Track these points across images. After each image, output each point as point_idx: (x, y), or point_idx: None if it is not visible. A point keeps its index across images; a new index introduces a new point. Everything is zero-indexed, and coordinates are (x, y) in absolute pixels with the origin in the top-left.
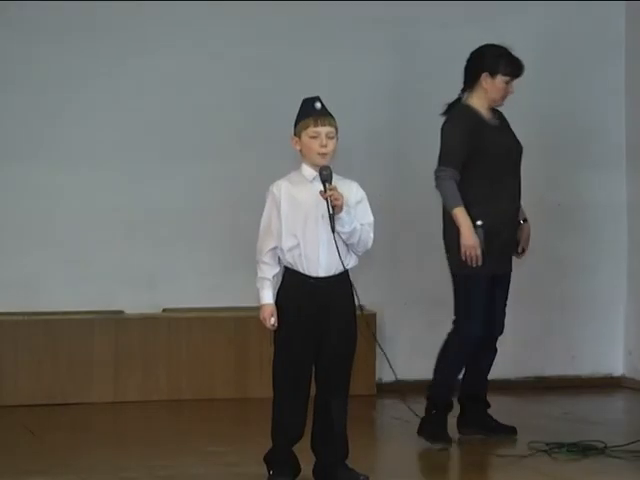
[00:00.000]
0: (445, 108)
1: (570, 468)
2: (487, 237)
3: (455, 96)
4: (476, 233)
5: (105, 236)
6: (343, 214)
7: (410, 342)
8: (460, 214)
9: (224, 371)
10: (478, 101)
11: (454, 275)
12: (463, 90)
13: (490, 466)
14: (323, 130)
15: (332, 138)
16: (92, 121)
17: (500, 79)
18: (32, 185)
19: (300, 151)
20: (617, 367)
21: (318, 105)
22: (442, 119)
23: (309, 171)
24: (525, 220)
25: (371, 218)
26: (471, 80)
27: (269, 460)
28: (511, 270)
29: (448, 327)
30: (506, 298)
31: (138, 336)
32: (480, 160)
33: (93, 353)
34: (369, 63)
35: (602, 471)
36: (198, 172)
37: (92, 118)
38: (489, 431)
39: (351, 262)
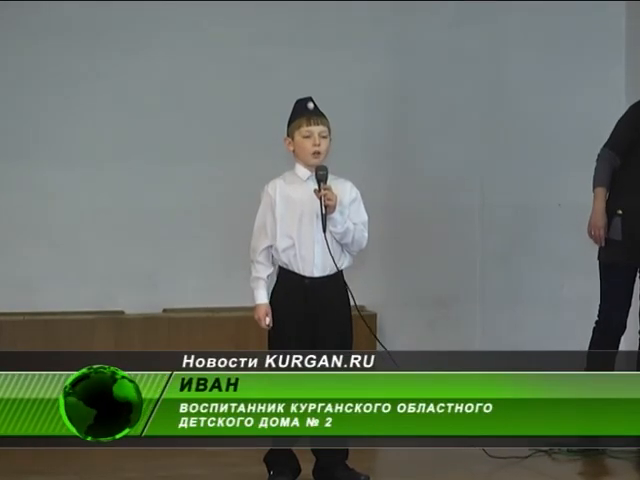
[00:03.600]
0: None
1: (571, 468)
2: (628, 227)
3: (456, 96)
4: (614, 221)
5: (105, 236)
6: (336, 214)
7: (411, 343)
8: (597, 194)
9: None
10: None
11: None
12: None
13: (490, 467)
14: (316, 129)
15: (325, 137)
16: (92, 120)
17: None
18: (31, 184)
19: (293, 152)
20: None
21: (311, 105)
22: (442, 118)
23: (303, 171)
24: None
25: (365, 217)
26: None
27: (269, 461)
28: None
29: (450, 327)
30: None
31: (138, 336)
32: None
33: None
34: (367, 63)
35: (603, 472)
36: (198, 172)
37: (92, 118)
38: None
39: (345, 262)
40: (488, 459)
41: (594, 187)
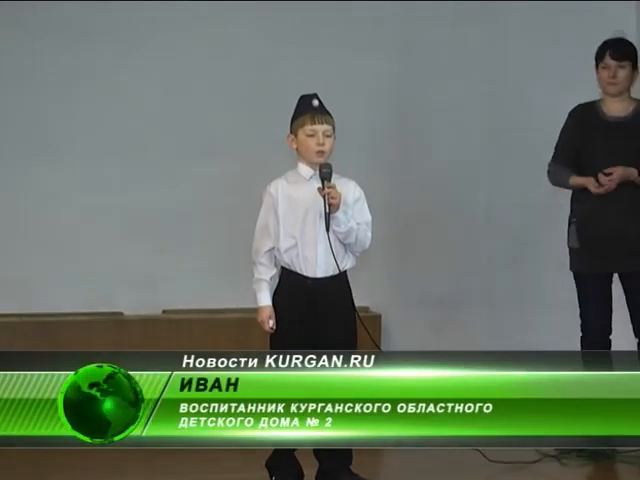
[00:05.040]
0: None
1: (580, 473)
2: (582, 235)
3: (459, 94)
4: (571, 229)
5: (104, 236)
6: (339, 213)
7: (417, 345)
8: (574, 180)
9: None
10: None
11: None
12: None
13: (498, 472)
14: (320, 128)
15: (329, 136)
16: (91, 120)
17: None
18: (29, 184)
19: (296, 149)
20: None
21: (315, 102)
22: (446, 117)
23: (306, 170)
24: None
25: (369, 217)
26: None
27: (271, 466)
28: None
29: (456, 329)
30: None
31: (138, 338)
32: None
33: None
34: (371, 62)
35: (612, 477)
36: (199, 171)
37: (91, 117)
38: None
39: (348, 263)
40: (494, 465)
41: (567, 182)
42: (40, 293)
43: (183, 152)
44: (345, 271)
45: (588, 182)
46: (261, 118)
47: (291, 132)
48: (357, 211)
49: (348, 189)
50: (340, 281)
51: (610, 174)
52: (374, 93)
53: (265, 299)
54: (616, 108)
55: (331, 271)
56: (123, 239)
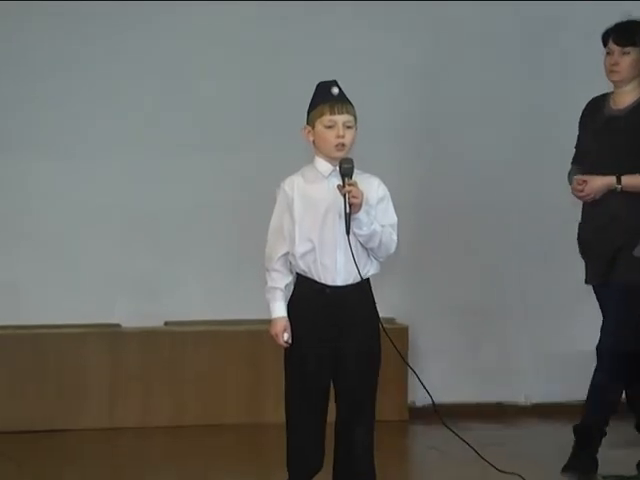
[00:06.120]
0: None
1: None
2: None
3: (494, 79)
4: None
5: (100, 239)
6: (361, 214)
7: (448, 359)
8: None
9: (235, 393)
10: None
11: None
12: None
13: None
14: (340, 119)
15: (350, 128)
16: (86, 112)
17: None
18: (19, 182)
19: (313, 142)
20: None
21: (335, 90)
22: (479, 106)
23: (325, 165)
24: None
25: (394, 219)
26: None
27: None
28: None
29: (491, 341)
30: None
31: (137, 353)
32: None
33: (86, 372)
34: (395, 43)
35: None
36: (203, 168)
37: (86, 110)
38: None
39: (372, 269)
40: None
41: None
42: (28, 302)
43: (186, 147)
44: (368, 278)
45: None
46: (273, 108)
47: (307, 123)
48: (381, 212)
49: (371, 187)
50: (362, 289)
51: (584, 182)
52: (400, 79)
53: (279, 310)
54: (621, 100)
55: (352, 279)
56: (120, 242)
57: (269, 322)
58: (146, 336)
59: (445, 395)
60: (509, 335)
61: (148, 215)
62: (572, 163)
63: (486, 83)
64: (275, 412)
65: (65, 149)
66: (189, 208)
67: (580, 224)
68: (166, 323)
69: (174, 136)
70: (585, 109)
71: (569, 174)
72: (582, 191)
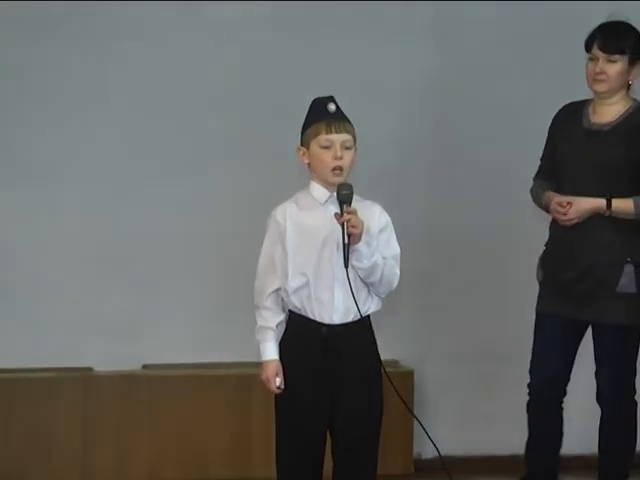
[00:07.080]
0: None
1: None
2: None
3: (513, 88)
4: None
5: (71, 271)
6: (361, 245)
7: (458, 406)
8: (548, 196)
9: (220, 444)
10: None
11: None
12: None
13: None
14: (338, 138)
15: (349, 148)
16: (58, 128)
17: None
18: None
19: (308, 165)
20: None
21: (332, 107)
22: (495, 120)
23: (320, 191)
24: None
25: (397, 250)
26: None
27: None
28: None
29: (506, 387)
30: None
31: (112, 399)
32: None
33: (55, 421)
34: (401, 49)
35: None
36: (188, 191)
37: (60, 125)
38: None
39: (372, 306)
40: None
41: (540, 201)
42: None
43: (168, 166)
44: (368, 316)
45: (548, 205)
46: (267, 125)
47: (302, 144)
48: (383, 242)
49: (372, 215)
50: (362, 328)
51: (568, 205)
52: (405, 92)
53: (270, 352)
54: (604, 112)
55: (351, 316)
56: (93, 275)
57: (259, 365)
58: (122, 380)
59: (454, 447)
60: (525, 381)
61: (124, 247)
62: (535, 178)
63: (504, 94)
64: (264, 467)
65: (32, 173)
66: (172, 239)
67: (549, 249)
68: (144, 366)
69: (156, 157)
70: (557, 117)
71: (532, 190)
72: (566, 214)
